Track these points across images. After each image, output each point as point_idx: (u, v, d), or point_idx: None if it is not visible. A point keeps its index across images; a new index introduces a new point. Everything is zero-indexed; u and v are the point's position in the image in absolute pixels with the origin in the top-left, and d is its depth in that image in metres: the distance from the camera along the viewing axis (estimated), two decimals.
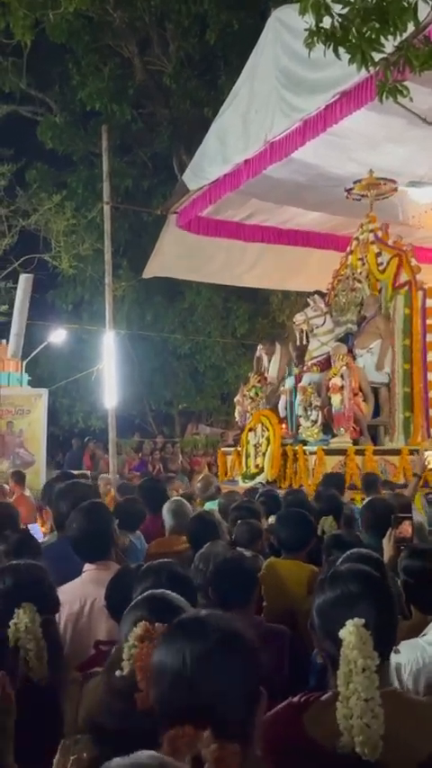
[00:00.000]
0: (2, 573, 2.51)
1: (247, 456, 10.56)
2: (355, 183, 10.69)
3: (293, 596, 4.06)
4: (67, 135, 18.94)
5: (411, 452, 9.67)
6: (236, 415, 11.89)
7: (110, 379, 12.78)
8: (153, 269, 13.48)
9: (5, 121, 19.04)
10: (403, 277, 10.46)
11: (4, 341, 14.97)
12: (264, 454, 10.16)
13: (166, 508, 5.46)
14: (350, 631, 1.79)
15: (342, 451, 9.38)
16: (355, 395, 9.64)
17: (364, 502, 5.76)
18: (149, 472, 15.83)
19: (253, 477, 10.15)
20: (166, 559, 2.70)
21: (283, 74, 8.69)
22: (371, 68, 4.03)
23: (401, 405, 10.12)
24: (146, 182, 19.61)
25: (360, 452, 9.45)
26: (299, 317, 10.57)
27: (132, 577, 2.60)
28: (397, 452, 9.76)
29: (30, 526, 6.94)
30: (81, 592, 3.29)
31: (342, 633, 1.80)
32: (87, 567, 3.42)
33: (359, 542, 3.96)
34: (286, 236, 13.05)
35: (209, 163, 10.62)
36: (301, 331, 10.59)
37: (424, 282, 10.37)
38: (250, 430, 10.66)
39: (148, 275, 13.93)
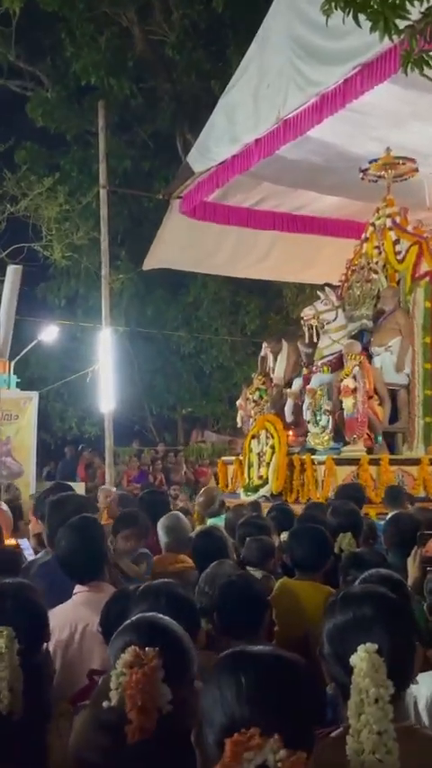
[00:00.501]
0: None
1: (250, 466, 10.42)
2: (371, 162, 10.59)
3: (309, 621, 4.04)
4: (60, 112, 19.00)
5: None
6: (238, 420, 11.73)
7: (107, 381, 12.81)
8: (154, 260, 13.49)
9: None
10: (424, 267, 10.28)
11: None
12: (268, 464, 10.00)
13: (160, 524, 5.43)
14: (361, 658, 1.78)
15: (354, 461, 9.24)
16: (370, 398, 9.49)
17: (388, 516, 5.74)
18: (151, 484, 15.85)
19: (256, 489, 10.02)
20: (166, 579, 2.69)
21: (297, 44, 8.69)
22: (395, 37, 4.01)
23: (422, 409, 9.97)
24: (146, 163, 19.65)
25: (375, 462, 9.30)
26: (308, 312, 10.39)
27: (130, 600, 2.60)
28: (416, 462, 9.59)
29: (20, 541, 6.95)
30: (72, 616, 3.28)
31: (353, 660, 1.80)
32: (78, 588, 3.41)
33: (382, 561, 3.93)
34: (301, 224, 13.04)
35: (216, 142, 10.62)
36: (311, 327, 10.42)
37: None
38: (253, 437, 10.52)
39: (148, 267, 13.94)
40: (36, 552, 5.63)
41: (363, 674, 1.76)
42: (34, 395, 14.36)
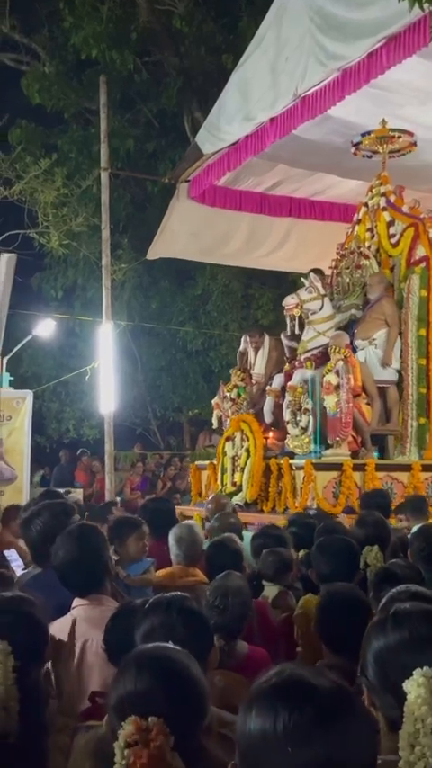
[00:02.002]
0: None
1: (224, 471, 10.26)
2: (363, 135, 10.40)
3: None
4: (58, 88, 18.98)
5: (426, 468, 9.34)
6: (213, 420, 11.49)
7: (107, 380, 12.80)
8: (159, 248, 13.49)
9: None
10: (420, 251, 10.09)
11: None
12: (242, 469, 9.83)
13: (171, 534, 5.42)
14: (419, 683, 1.75)
15: (337, 466, 8.99)
16: (356, 396, 9.26)
17: (414, 529, 5.70)
18: (157, 491, 15.85)
19: (229, 497, 9.69)
20: (177, 593, 2.68)
21: (318, 14, 8.69)
22: (426, 5, 4.01)
23: (415, 409, 9.78)
24: (151, 144, 19.63)
25: (360, 467, 9.06)
26: (290, 301, 10.12)
27: (137, 615, 2.59)
28: (407, 468, 9.35)
29: (7, 553, 6.97)
30: (70, 632, 3.27)
31: (407, 685, 1.77)
32: (77, 602, 3.42)
33: (417, 576, 3.87)
34: (320, 210, 13.04)
35: (227, 121, 10.61)
36: (293, 317, 10.17)
37: None
38: (228, 439, 10.33)
39: (153, 256, 13.94)
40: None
41: (420, 702, 1.72)
42: (28, 394, 14.33)
